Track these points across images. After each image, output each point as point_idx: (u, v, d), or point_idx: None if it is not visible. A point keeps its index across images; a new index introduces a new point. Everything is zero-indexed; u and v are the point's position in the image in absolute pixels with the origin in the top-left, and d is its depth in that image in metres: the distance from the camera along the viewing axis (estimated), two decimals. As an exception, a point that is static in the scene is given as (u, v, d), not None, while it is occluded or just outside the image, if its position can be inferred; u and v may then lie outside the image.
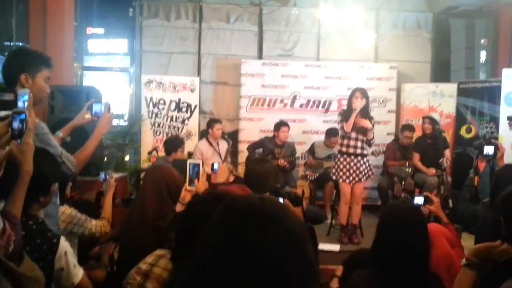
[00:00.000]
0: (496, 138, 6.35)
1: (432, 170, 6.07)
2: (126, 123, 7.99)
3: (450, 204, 5.08)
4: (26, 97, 1.77)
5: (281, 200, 2.23)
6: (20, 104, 1.76)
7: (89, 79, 9.01)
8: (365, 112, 5.22)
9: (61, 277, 2.06)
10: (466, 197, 3.38)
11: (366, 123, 5.15)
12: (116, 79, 9.29)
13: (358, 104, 5.10)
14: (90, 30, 9.34)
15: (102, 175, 3.70)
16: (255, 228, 0.98)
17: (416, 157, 6.31)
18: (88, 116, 2.85)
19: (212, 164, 3.66)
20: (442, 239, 2.94)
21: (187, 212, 1.91)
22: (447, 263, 2.59)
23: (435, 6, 8.06)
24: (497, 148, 4.27)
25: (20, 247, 1.62)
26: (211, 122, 6.68)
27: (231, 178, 4.67)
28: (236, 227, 1.00)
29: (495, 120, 6.67)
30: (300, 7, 7.78)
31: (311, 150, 6.77)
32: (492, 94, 6.80)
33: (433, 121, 6.29)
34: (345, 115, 5.26)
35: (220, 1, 7.95)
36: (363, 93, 5.21)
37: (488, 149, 3.45)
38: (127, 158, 7.34)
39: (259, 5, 7.95)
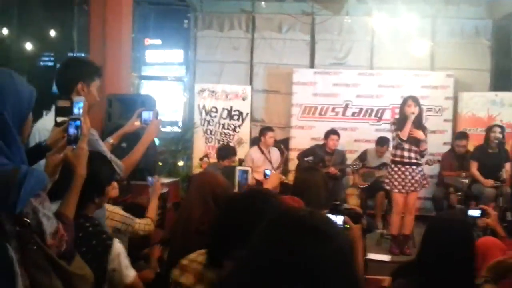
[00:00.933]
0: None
1: (490, 181, 5.81)
2: (179, 130, 8.19)
3: (509, 217, 4.86)
4: (81, 104, 1.88)
5: (341, 217, 2.24)
6: (75, 111, 1.87)
7: (145, 88, 9.32)
8: (418, 122, 5.10)
9: (113, 277, 2.14)
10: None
11: (419, 134, 5.03)
12: (171, 87, 9.56)
13: (412, 111, 5.00)
14: (148, 41, 9.67)
15: (150, 179, 3.75)
16: (303, 242, 0.98)
17: (474, 165, 6.06)
18: (137, 123, 2.95)
19: (265, 171, 3.68)
20: (496, 252, 2.83)
21: (224, 208, 1.96)
22: (500, 277, 2.49)
23: (495, 12, 7.77)
24: None
25: (72, 247, 1.69)
26: (264, 130, 6.74)
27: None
28: (284, 240, 1.00)
29: (560, 130, 6.32)
30: (352, 15, 7.72)
31: (362, 157, 6.68)
32: (557, 103, 6.45)
33: (503, 130, 6.03)
34: (398, 124, 5.15)
35: (273, 11, 8.02)
36: (415, 100, 5.10)
37: None
38: (180, 163, 7.53)
39: (312, 14, 7.96)
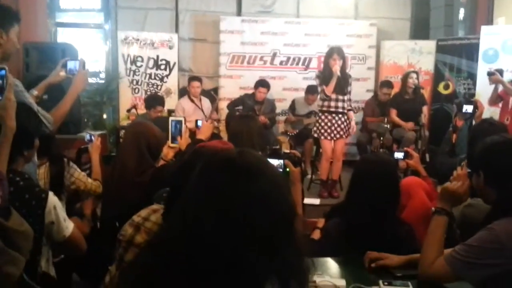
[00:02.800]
0: (473, 95, 6.47)
1: (411, 124, 6.15)
2: (103, 81, 7.82)
3: (428, 159, 5.21)
4: None
5: (281, 161, 2.28)
6: None
7: (62, 36, 8.74)
8: (343, 73, 5.24)
9: (52, 230, 2.07)
10: (444, 152, 3.47)
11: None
12: (90, 35, 9.03)
13: (338, 67, 5.10)
14: (61, -15, 8.97)
15: (87, 136, 3.65)
16: (236, 181, 0.99)
17: (393, 112, 6.36)
18: (62, 73, 2.84)
19: (196, 121, 3.65)
20: (420, 190, 3.05)
21: (179, 168, 1.92)
22: (424, 214, 2.68)
23: (415, -38, 7.98)
24: (476, 107, 4.34)
25: (7, 203, 1.61)
26: (190, 80, 6.67)
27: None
28: (217, 181, 1.00)
29: (472, 77, 6.76)
30: (279, -38, 7.62)
31: (292, 107, 6.80)
32: (470, 51, 6.86)
33: (418, 76, 6.32)
34: (323, 78, 5.26)
35: (197, -45, 7.70)
36: (340, 53, 5.20)
37: (467, 108, 3.54)
38: (104, 116, 7.23)
39: (238, -41, 7.75)
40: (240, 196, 0.98)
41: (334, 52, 5.21)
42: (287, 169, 2.30)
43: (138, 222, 1.80)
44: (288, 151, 2.55)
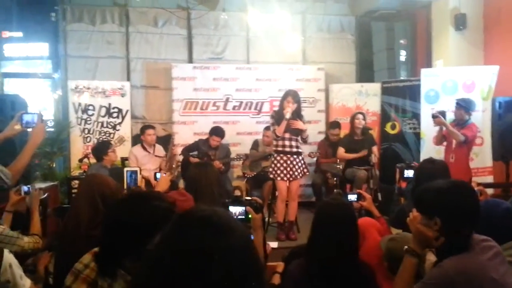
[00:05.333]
0: (419, 134, 6.78)
1: (363, 152, 6.24)
2: (52, 130, 7.65)
3: (380, 197, 5.36)
4: None
5: (243, 208, 2.31)
6: None
7: (8, 85, 8.56)
8: (297, 115, 5.39)
9: None
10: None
11: (300, 125, 5.33)
12: (38, 85, 8.89)
13: (290, 109, 5.25)
14: (6, 34, 8.85)
15: (24, 188, 3.46)
16: (214, 237, 1.06)
17: (341, 150, 6.47)
18: (18, 127, 2.80)
19: (155, 173, 3.65)
20: (373, 231, 3.15)
21: (114, 210, 1.93)
22: (378, 253, 2.76)
23: (356, 9, 8.43)
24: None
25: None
26: (143, 128, 6.61)
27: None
28: (196, 236, 1.06)
29: (417, 116, 7.09)
30: (228, 11, 7.84)
31: (254, 145, 6.86)
32: (413, 93, 7.22)
33: (365, 117, 6.55)
34: (277, 118, 5.40)
35: (147, 4, 7.81)
36: (295, 96, 5.37)
37: (408, 172, 3.77)
38: (53, 165, 7.03)
39: (187, 9, 7.92)
40: (218, 251, 1.04)
41: (289, 95, 5.38)
42: (249, 216, 2.33)
43: (79, 269, 1.79)
44: (249, 198, 2.59)
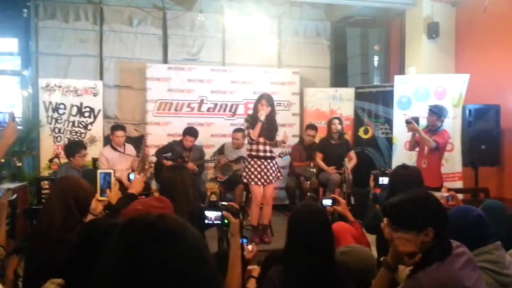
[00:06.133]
0: (391, 139, 6.89)
1: (332, 168, 6.39)
2: (20, 128, 7.45)
3: (353, 201, 5.42)
4: None
5: (219, 213, 2.30)
6: None
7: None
8: (271, 119, 5.40)
9: None
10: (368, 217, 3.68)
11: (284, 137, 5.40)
12: (6, 82, 8.65)
13: (264, 112, 5.25)
14: (-25, 29, 8.58)
15: None
16: (155, 245, 0.98)
17: (318, 156, 6.60)
18: None
19: (129, 175, 3.59)
20: (347, 235, 3.19)
21: (80, 241, 1.87)
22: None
23: (332, 15, 8.53)
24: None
25: None
26: (113, 129, 6.46)
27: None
28: (135, 245, 0.99)
29: (389, 122, 7.21)
30: (205, 12, 7.81)
31: (221, 151, 6.85)
32: (386, 98, 7.35)
33: (341, 122, 6.63)
34: (251, 121, 5.39)
35: (122, 3, 7.71)
36: (268, 99, 5.37)
37: (383, 179, 3.82)
38: (20, 164, 6.84)
39: (163, 9, 7.85)
40: (160, 259, 0.96)
41: (263, 98, 5.37)
42: (226, 221, 2.32)
43: None
44: (225, 203, 2.57)
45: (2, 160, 6.08)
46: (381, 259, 2.16)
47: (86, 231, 1.90)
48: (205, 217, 2.36)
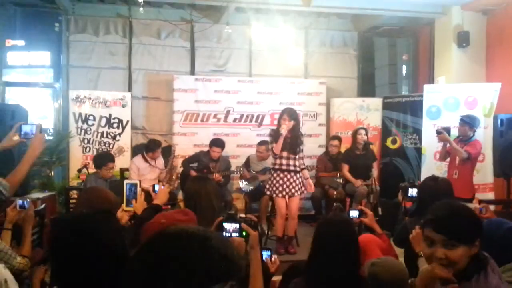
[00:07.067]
0: (420, 149, 6.76)
1: (359, 181, 6.31)
2: (51, 138, 7.62)
3: (380, 212, 5.33)
4: None
5: (237, 225, 2.28)
6: None
7: (9, 94, 8.54)
8: (294, 133, 5.37)
9: None
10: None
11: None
12: (39, 93, 8.88)
13: (285, 126, 5.24)
14: (9, 42, 8.86)
15: (19, 202, 3.16)
16: (186, 250, 1.02)
17: (345, 167, 6.55)
18: (16, 138, 2.78)
19: (153, 185, 3.60)
20: (375, 248, 3.11)
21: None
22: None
23: (360, 25, 8.47)
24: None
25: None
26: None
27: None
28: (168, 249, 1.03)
29: (418, 132, 7.08)
30: (231, 24, 7.87)
31: (247, 163, 6.84)
32: (415, 108, 7.22)
33: (367, 132, 6.54)
34: (274, 136, 5.39)
35: (151, 17, 7.85)
36: (291, 114, 5.35)
37: (412, 191, 3.71)
38: (51, 174, 6.99)
39: (191, 22, 7.95)
40: (192, 263, 0.99)
41: (285, 113, 5.37)
42: (244, 233, 2.29)
43: None
44: (244, 216, 2.55)
45: (34, 168, 6.24)
46: (409, 281, 2.08)
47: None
48: (223, 229, 2.34)
